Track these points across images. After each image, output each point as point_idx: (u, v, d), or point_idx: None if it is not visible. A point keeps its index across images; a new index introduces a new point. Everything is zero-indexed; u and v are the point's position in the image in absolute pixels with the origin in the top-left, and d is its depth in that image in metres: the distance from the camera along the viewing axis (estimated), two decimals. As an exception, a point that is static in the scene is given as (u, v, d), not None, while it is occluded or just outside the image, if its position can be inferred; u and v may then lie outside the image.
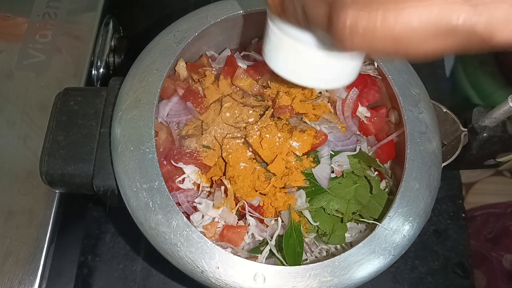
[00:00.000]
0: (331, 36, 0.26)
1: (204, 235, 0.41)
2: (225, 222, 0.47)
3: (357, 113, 0.53)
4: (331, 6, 0.25)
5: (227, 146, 0.47)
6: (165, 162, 0.47)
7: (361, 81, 0.52)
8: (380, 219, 0.45)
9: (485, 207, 0.97)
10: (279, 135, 0.47)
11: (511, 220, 0.88)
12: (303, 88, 0.51)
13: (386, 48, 0.24)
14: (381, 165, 0.51)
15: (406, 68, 0.51)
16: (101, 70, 0.61)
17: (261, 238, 0.47)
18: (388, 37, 0.24)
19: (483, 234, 0.89)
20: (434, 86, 0.81)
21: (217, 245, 0.41)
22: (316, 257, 0.48)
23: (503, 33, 0.22)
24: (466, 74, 1.11)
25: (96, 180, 0.46)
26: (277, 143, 0.46)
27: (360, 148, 0.50)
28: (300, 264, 0.44)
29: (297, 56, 0.34)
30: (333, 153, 0.48)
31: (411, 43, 0.24)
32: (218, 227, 0.46)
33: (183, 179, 0.48)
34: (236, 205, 0.47)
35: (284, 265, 0.44)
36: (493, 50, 0.23)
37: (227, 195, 0.47)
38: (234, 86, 0.51)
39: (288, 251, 0.44)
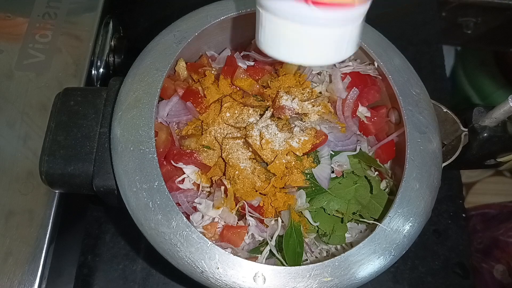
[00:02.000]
0: None
1: (204, 235, 0.41)
2: (225, 222, 0.47)
3: (357, 113, 0.53)
4: None
5: (227, 146, 0.47)
6: (165, 162, 0.47)
7: (361, 81, 0.52)
8: (380, 219, 0.45)
9: (479, 207, 0.96)
10: (279, 135, 0.47)
11: (499, 229, 0.86)
12: (303, 88, 0.51)
13: None
14: (381, 165, 0.51)
15: (406, 68, 0.51)
16: (101, 70, 0.61)
17: (261, 238, 0.47)
18: None
19: (473, 244, 0.88)
20: (434, 86, 0.81)
21: (217, 245, 0.41)
22: (316, 257, 0.48)
23: None
24: (466, 74, 1.11)
25: (96, 180, 0.46)
26: (277, 143, 0.46)
27: (360, 148, 0.50)
28: (300, 265, 0.44)
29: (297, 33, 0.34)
30: (333, 153, 0.48)
31: None
32: (218, 228, 0.46)
33: (183, 179, 0.48)
34: (236, 205, 0.47)
35: (284, 265, 0.44)
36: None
37: (227, 195, 0.46)
38: (234, 86, 0.51)
39: (288, 251, 0.44)
